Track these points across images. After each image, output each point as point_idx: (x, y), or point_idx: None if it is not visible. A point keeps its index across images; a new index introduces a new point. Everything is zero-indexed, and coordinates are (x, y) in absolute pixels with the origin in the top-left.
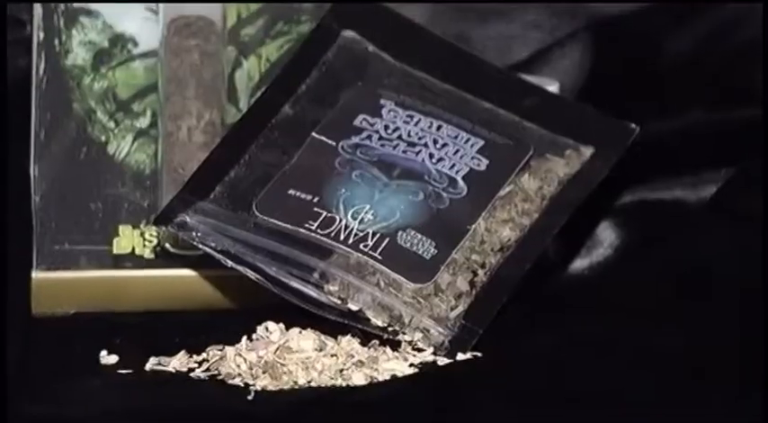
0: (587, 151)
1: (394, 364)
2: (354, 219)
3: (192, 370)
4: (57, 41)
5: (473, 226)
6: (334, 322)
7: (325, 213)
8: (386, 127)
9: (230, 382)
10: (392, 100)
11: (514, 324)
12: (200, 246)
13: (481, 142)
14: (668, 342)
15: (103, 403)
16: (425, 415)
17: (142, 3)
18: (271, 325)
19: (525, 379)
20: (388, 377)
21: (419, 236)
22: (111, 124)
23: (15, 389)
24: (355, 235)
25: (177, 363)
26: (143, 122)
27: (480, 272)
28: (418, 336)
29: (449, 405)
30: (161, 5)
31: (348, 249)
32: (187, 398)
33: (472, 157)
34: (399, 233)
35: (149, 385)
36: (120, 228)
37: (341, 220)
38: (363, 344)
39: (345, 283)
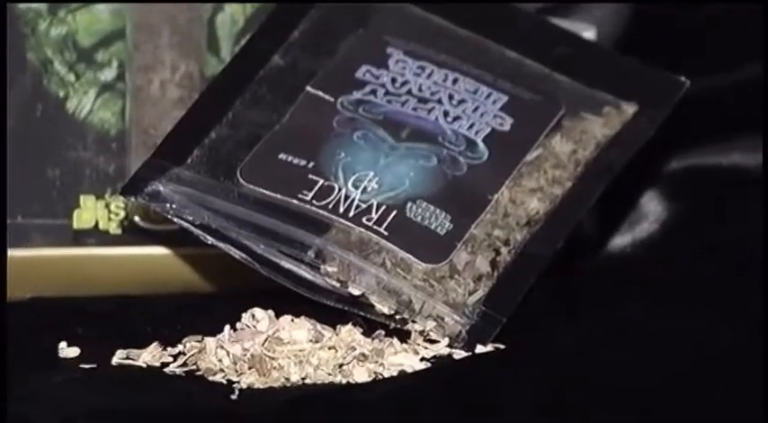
0: (629, 109)
1: (402, 358)
2: (356, 188)
3: (166, 364)
4: None
5: (495, 196)
6: (332, 309)
7: (321, 181)
8: (393, 80)
9: (211, 378)
10: (400, 48)
11: (543, 311)
12: (176, 219)
13: (505, 98)
14: (722, 334)
15: (63, 404)
16: (438, 417)
17: None
18: (258, 312)
19: (555, 376)
20: (395, 373)
21: (432, 208)
22: (71, 77)
23: None
24: (357, 207)
25: (149, 356)
26: (108, 75)
27: (503, 250)
28: (431, 325)
29: (465, 406)
30: None
31: (349, 224)
32: (160, 397)
33: (494, 116)
34: (408, 205)
35: (116, 382)
36: (82, 198)
37: (340, 190)
38: (366, 334)
39: (345, 263)
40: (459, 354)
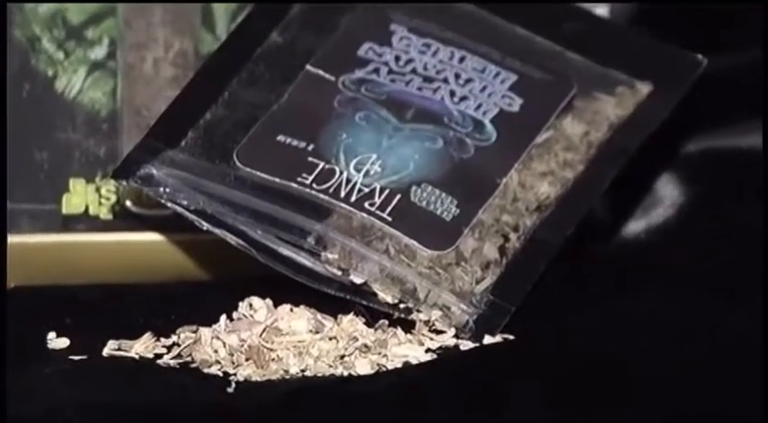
0: (644, 88)
1: (406, 349)
2: (358, 171)
3: (159, 356)
4: None
5: (504, 180)
6: (333, 298)
7: (322, 164)
8: (397, 58)
9: (206, 370)
10: (404, 25)
11: (554, 300)
12: (169, 204)
13: (514, 77)
14: (737, 322)
15: (51, 397)
16: (445, 411)
17: None
18: (255, 301)
19: (566, 368)
20: (399, 365)
21: (437, 192)
22: (60, 55)
23: None
24: (359, 191)
25: (141, 347)
26: (99, 53)
27: (512, 236)
28: (436, 314)
29: (472, 399)
30: None
31: (350, 208)
32: (153, 390)
33: (502, 96)
34: (413, 188)
35: (107, 375)
36: (71, 182)
37: (341, 173)
38: (369, 324)
39: (347, 249)
40: (467, 345)
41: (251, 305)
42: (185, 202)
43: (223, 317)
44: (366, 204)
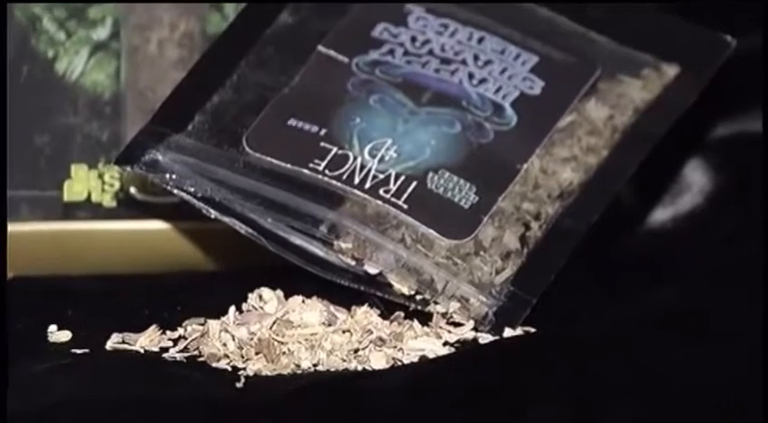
0: (670, 70)
1: (423, 343)
2: (372, 156)
3: (165, 350)
4: None
5: (524, 166)
6: (346, 289)
7: (335, 149)
8: (413, 39)
9: (214, 365)
10: (421, 5)
11: (577, 292)
12: (176, 191)
13: (535, 59)
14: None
15: (52, 393)
16: (463, 406)
17: None
18: (266, 292)
19: (587, 364)
20: (415, 359)
21: (455, 178)
22: (61, 35)
23: None
24: (374, 177)
25: (146, 340)
26: (101, 33)
27: (534, 225)
28: (454, 306)
29: (491, 395)
30: None
31: (364, 196)
32: (159, 385)
33: (523, 78)
34: (430, 175)
35: (110, 369)
36: (73, 168)
37: (355, 159)
38: (384, 317)
39: (361, 238)
40: (486, 338)
41: (261, 296)
42: (192, 189)
43: (232, 309)
44: (381, 191)
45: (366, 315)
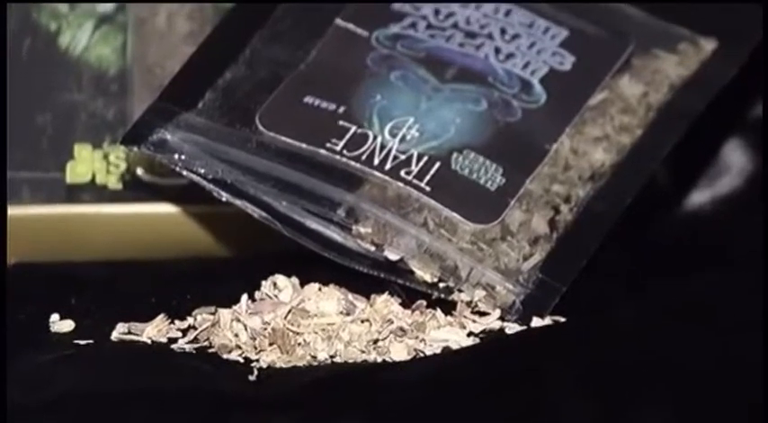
0: (708, 45)
1: (446, 333)
2: (393, 136)
3: (173, 340)
4: None
5: (554, 146)
6: (365, 276)
7: (353, 128)
8: (436, 12)
9: (225, 356)
10: None
11: (609, 279)
12: (185, 172)
13: (565, 33)
14: None
15: (54, 385)
16: (487, 400)
17: None
18: (280, 280)
19: (622, 356)
20: (438, 350)
21: (481, 159)
22: (64, 7)
23: None
24: (395, 158)
25: (154, 331)
26: (106, 6)
27: (564, 208)
28: (479, 294)
29: (518, 388)
30: None
31: (385, 177)
32: (167, 378)
33: (553, 53)
34: (454, 155)
35: (116, 361)
36: (77, 148)
37: (375, 138)
38: (405, 305)
39: (381, 222)
40: (513, 328)
41: (275, 284)
42: (202, 171)
43: (244, 297)
44: (402, 173)
45: (386, 304)
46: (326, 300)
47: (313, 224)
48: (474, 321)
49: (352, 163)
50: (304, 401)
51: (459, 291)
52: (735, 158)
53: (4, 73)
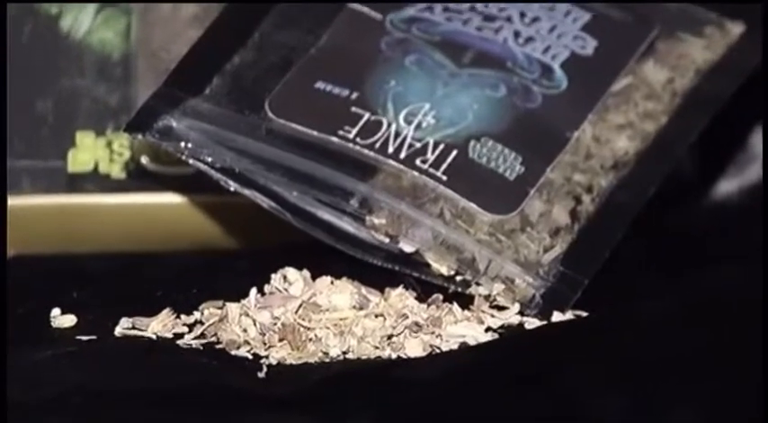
0: (735, 29)
1: (464, 328)
2: (408, 123)
3: (179, 336)
4: None
5: (575, 134)
6: (379, 269)
7: (367, 115)
8: None
9: (234, 352)
10: None
11: (633, 272)
12: (191, 161)
13: (587, 16)
14: None
15: (56, 383)
16: (507, 398)
17: None
18: (291, 273)
19: (647, 351)
20: (455, 346)
21: (499, 147)
22: None
23: None
24: (410, 146)
25: (159, 326)
26: None
27: (586, 198)
28: (498, 288)
29: (539, 385)
30: None
31: (400, 166)
32: (173, 375)
33: (574, 37)
34: (472, 143)
35: (119, 358)
36: (79, 135)
37: (389, 125)
38: (421, 300)
39: (396, 213)
40: (532, 323)
41: (285, 277)
42: (210, 159)
43: (253, 291)
44: (418, 161)
45: (401, 298)
46: (339, 293)
47: (325, 215)
48: (492, 316)
49: (366, 151)
50: (315, 399)
51: (477, 284)
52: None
53: (4, 72)
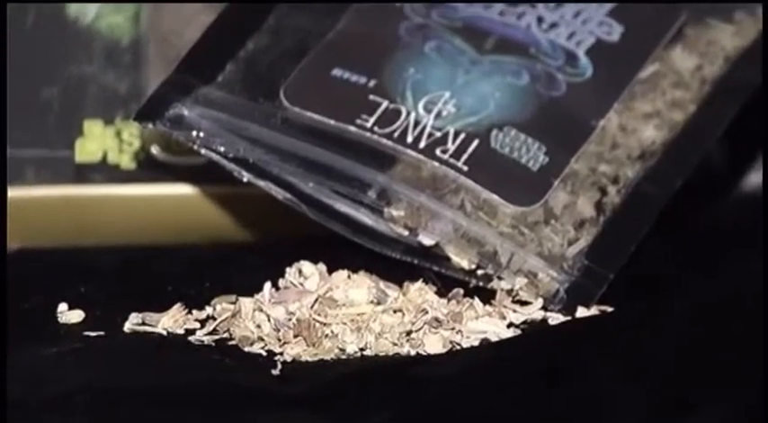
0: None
1: (485, 324)
2: (428, 112)
3: (191, 332)
4: None
5: (601, 123)
6: (398, 263)
7: (385, 104)
8: None
9: (247, 349)
10: None
11: (660, 266)
12: (203, 150)
13: None
14: None
15: (61, 381)
16: (529, 396)
17: None
18: (306, 266)
19: (674, 349)
20: (476, 343)
21: (522, 136)
22: None
23: None
24: (429, 135)
25: (170, 321)
26: None
27: (611, 189)
28: (521, 282)
29: (563, 383)
30: None
31: (419, 156)
32: (184, 373)
33: (600, 23)
34: (494, 133)
35: (128, 355)
36: (87, 124)
37: (408, 114)
38: (441, 294)
39: (415, 205)
40: (556, 318)
41: (300, 271)
42: (222, 149)
43: (267, 285)
44: (438, 151)
45: (420, 292)
46: (356, 288)
47: (342, 207)
48: (515, 311)
49: (384, 141)
50: (331, 398)
51: (499, 278)
52: None
53: (5, 70)
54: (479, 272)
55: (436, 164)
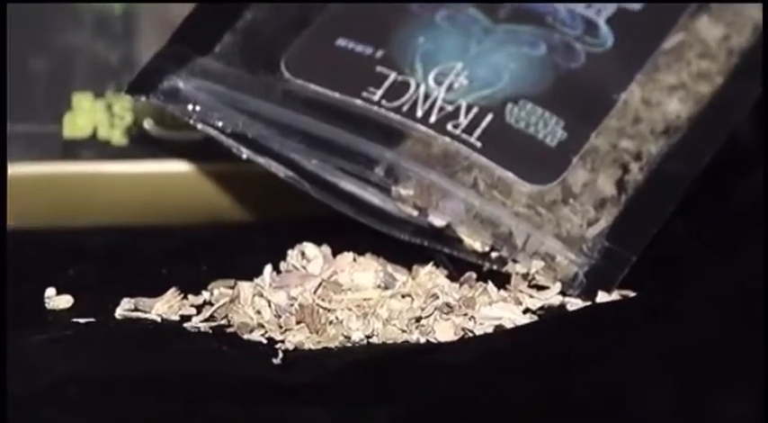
0: None
1: (499, 310)
2: (439, 84)
3: (186, 318)
4: None
5: (622, 96)
6: (407, 245)
7: (393, 75)
8: None
9: (246, 336)
10: None
11: (685, 248)
12: (200, 125)
13: None
14: None
15: (49, 370)
16: (546, 387)
17: None
18: (309, 248)
19: (699, 336)
20: (490, 329)
21: (539, 110)
22: None
23: None
24: (440, 109)
25: (164, 307)
26: None
27: (633, 166)
28: (537, 265)
29: (582, 372)
30: None
31: (429, 131)
32: (179, 361)
33: None
34: (509, 106)
35: (120, 342)
36: (76, 97)
37: (418, 86)
38: (453, 278)
39: (425, 183)
40: (575, 304)
41: (303, 254)
42: (220, 123)
43: (268, 268)
44: (449, 126)
45: (430, 276)
46: (362, 272)
47: (347, 185)
48: (531, 296)
49: (392, 115)
50: (336, 388)
51: (515, 261)
52: None
53: (5, 70)
54: (493, 254)
55: (447, 139)
